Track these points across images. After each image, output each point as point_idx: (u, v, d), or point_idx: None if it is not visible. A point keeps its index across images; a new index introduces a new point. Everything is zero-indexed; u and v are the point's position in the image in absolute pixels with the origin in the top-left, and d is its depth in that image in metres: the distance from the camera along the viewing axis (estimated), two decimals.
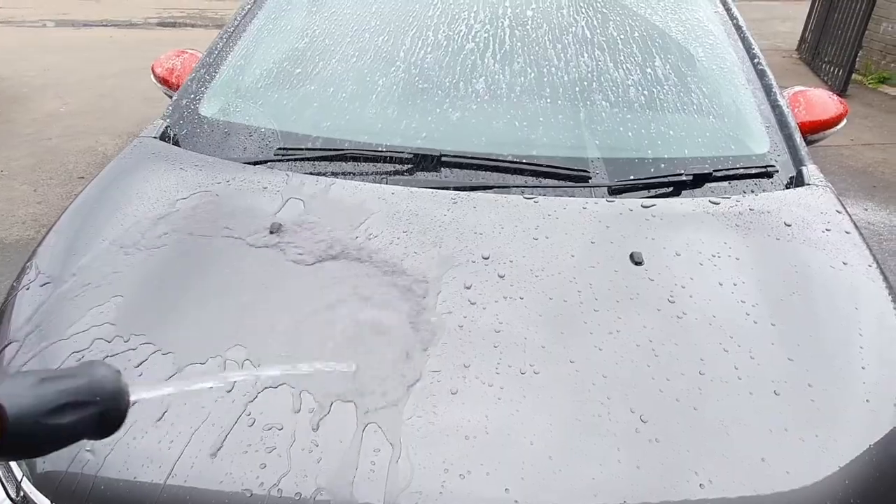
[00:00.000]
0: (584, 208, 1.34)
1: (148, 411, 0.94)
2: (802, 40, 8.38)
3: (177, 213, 1.32)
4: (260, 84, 1.75)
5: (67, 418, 0.55)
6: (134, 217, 1.32)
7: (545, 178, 1.45)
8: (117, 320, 1.09)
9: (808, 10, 8.23)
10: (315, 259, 1.21)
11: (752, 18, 10.93)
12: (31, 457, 0.55)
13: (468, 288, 1.15)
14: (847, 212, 1.43)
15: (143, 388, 0.64)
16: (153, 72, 2.10)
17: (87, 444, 0.91)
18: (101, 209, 1.36)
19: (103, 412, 0.58)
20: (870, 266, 1.28)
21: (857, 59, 6.71)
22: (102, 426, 0.59)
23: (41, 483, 0.90)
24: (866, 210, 4.09)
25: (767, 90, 1.70)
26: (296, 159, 1.48)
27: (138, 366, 1.01)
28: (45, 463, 0.91)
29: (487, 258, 1.21)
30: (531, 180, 1.45)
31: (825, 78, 7.07)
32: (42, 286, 1.18)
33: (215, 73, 1.76)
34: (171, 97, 1.82)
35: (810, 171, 1.52)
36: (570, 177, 1.45)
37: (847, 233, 1.36)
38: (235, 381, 0.93)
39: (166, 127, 1.61)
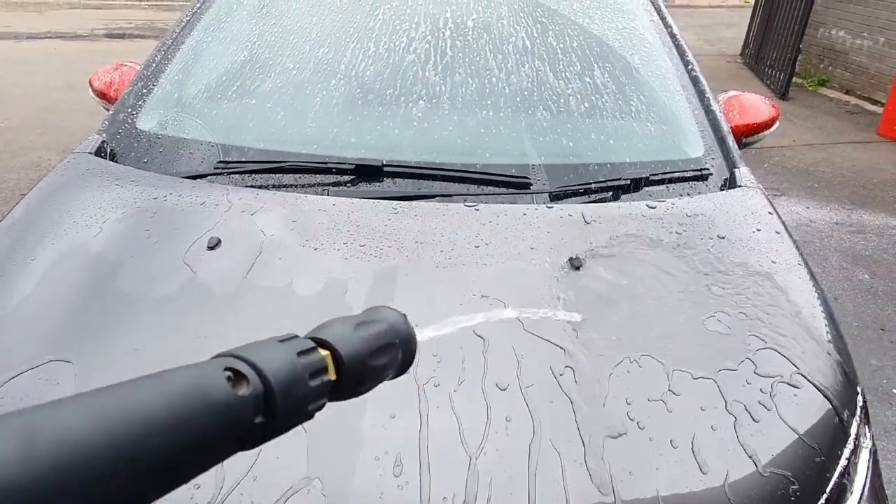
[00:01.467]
0: (524, 214, 1.36)
1: None
2: (746, 45, 8.68)
3: (111, 231, 1.29)
4: (199, 97, 1.73)
5: (382, 360, 0.59)
6: (66, 236, 1.28)
7: (487, 185, 1.47)
8: (47, 342, 1.06)
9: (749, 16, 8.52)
10: (255, 274, 1.19)
11: (699, 24, 11.33)
12: (354, 396, 0.58)
13: (410, 297, 1.15)
14: (777, 212, 1.49)
15: (423, 331, 0.68)
16: (91, 85, 2.06)
17: None
18: (32, 228, 1.32)
19: (402, 353, 0.62)
20: (798, 265, 1.33)
21: (797, 63, 6.98)
22: (400, 367, 0.62)
23: None
24: (808, 208, 4.24)
25: (701, 96, 1.76)
26: (236, 172, 1.47)
27: (63, 388, 0.98)
28: None
29: (428, 267, 1.22)
30: (473, 188, 1.46)
31: (767, 82, 7.33)
32: None
33: (153, 85, 1.73)
34: (109, 111, 1.78)
35: (742, 173, 1.57)
36: (512, 184, 1.47)
37: (777, 233, 1.41)
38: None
39: (102, 142, 1.58)
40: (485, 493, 0.87)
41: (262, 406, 0.46)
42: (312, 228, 1.29)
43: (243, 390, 0.46)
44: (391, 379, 0.61)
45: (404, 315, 0.64)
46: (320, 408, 0.52)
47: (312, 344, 0.53)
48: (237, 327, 1.09)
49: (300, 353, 0.51)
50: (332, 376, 0.53)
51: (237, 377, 0.46)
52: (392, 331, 0.61)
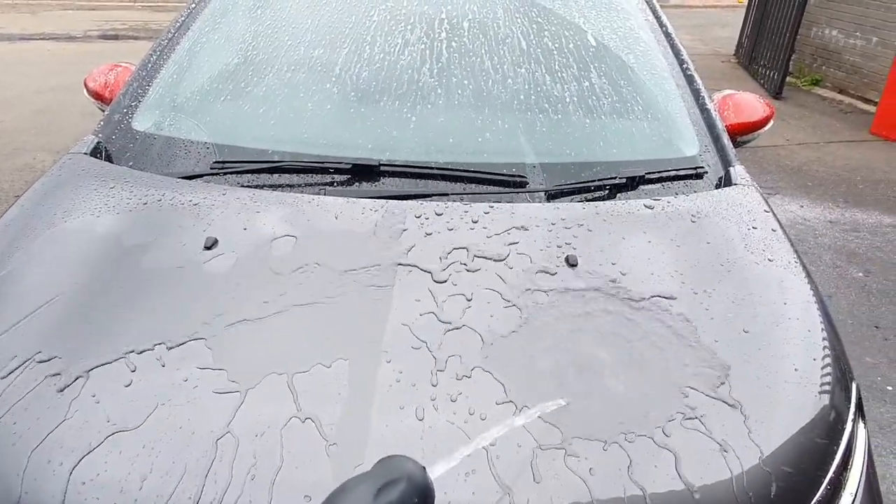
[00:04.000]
0: (521, 213, 1.37)
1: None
2: (740, 45, 8.71)
3: (107, 232, 1.28)
4: (195, 97, 1.73)
5: None
6: (62, 237, 1.28)
7: (483, 184, 1.47)
8: (43, 343, 1.06)
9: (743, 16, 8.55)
10: (252, 273, 1.19)
11: (694, 24, 11.36)
12: None
13: (408, 294, 1.15)
14: (773, 210, 1.49)
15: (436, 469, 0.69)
16: (86, 86, 2.05)
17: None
18: (28, 229, 1.31)
19: None
20: (794, 262, 1.34)
21: (791, 62, 7.00)
22: None
23: None
24: (802, 207, 4.26)
25: (696, 95, 1.77)
26: (232, 172, 1.46)
27: (62, 390, 0.98)
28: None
29: (426, 266, 1.22)
30: (469, 187, 1.46)
31: (761, 81, 7.36)
32: None
33: (148, 86, 1.72)
34: (104, 112, 1.77)
35: (737, 171, 1.58)
36: (508, 183, 1.47)
37: (773, 230, 1.42)
38: None
39: (97, 142, 1.57)
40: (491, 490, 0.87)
41: None
42: (309, 228, 1.29)
43: None
44: None
45: (423, 467, 0.64)
46: None
47: None
48: (234, 328, 1.09)
49: None
50: None
51: None
52: (412, 489, 0.61)
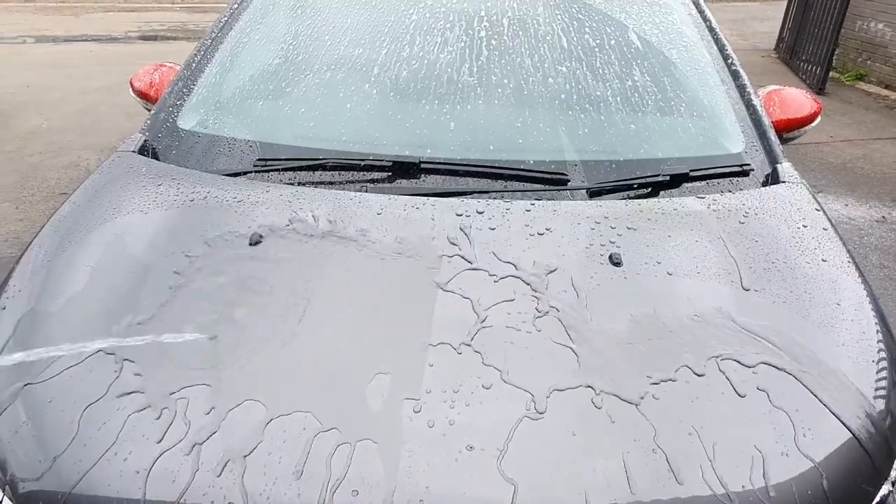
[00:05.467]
0: (563, 211, 1.35)
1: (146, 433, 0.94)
2: (780, 40, 8.49)
3: (155, 228, 1.31)
4: (238, 95, 1.75)
5: None
6: (113, 232, 1.31)
7: (524, 182, 1.46)
8: (98, 336, 1.08)
9: (784, 9, 8.33)
10: (295, 269, 1.21)
11: (732, 19, 11.05)
12: None
13: (451, 291, 1.15)
14: (823, 209, 1.45)
15: None
16: (132, 86, 2.10)
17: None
18: (80, 225, 1.35)
19: None
20: (847, 262, 1.30)
21: (834, 57, 6.80)
22: None
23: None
24: (847, 206, 4.14)
25: (741, 90, 1.73)
26: (275, 170, 1.48)
27: (113, 381, 1.00)
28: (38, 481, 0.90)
29: (470, 263, 1.21)
30: (510, 185, 1.46)
31: (803, 76, 7.16)
32: (22, 303, 1.17)
33: (193, 85, 1.76)
34: (150, 111, 1.81)
35: (785, 168, 1.54)
36: (549, 180, 1.46)
37: (824, 229, 1.38)
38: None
39: (145, 140, 1.61)
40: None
41: None
42: (352, 224, 1.30)
43: None
44: None
45: None
46: None
47: None
48: (279, 324, 1.10)
49: None
50: None
51: None
52: None
